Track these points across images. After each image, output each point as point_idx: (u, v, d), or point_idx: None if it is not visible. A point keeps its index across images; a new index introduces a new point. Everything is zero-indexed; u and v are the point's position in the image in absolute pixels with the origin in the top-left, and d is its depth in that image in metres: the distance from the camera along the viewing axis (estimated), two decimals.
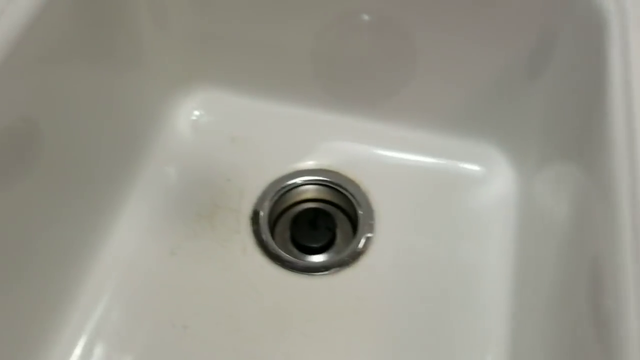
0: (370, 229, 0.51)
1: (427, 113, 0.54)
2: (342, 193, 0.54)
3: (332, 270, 0.49)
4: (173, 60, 0.54)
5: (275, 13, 0.51)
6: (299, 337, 0.45)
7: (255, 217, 0.52)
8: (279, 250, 0.50)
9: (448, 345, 0.45)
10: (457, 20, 0.48)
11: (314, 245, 0.51)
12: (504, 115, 0.51)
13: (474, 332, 0.46)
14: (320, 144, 0.56)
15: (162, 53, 0.53)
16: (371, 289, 0.48)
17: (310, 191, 0.55)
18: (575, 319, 0.35)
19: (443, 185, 0.54)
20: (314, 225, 0.52)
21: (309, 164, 0.55)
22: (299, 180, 0.54)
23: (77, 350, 0.44)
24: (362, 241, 0.50)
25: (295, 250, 0.52)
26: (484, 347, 0.45)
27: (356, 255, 0.50)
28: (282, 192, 0.54)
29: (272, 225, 0.53)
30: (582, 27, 0.42)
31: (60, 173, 0.43)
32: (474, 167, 0.54)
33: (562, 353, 0.37)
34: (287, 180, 0.54)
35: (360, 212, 0.52)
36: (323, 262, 0.50)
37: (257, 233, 0.51)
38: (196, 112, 0.57)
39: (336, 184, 0.54)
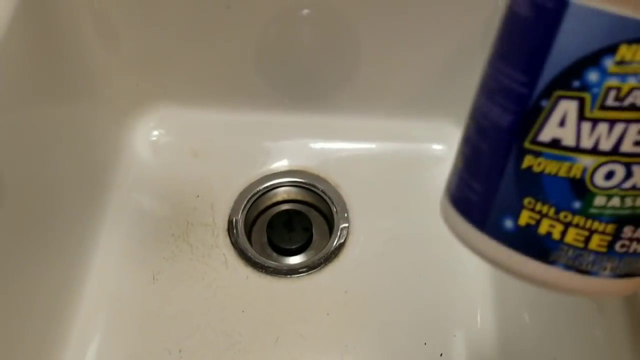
0: (346, 221, 0.52)
1: (383, 100, 0.55)
2: (312, 191, 0.54)
3: (316, 268, 0.50)
4: (126, 82, 0.53)
5: (219, 24, 0.50)
6: (296, 339, 0.46)
7: (231, 228, 0.52)
8: (261, 258, 0.50)
9: (439, 318, 0.47)
10: (403, 2, 0.48)
11: (293, 247, 0.52)
12: (461, 92, 0.52)
13: (461, 301, 0.47)
14: (282, 145, 0.56)
15: (114, 77, 0.52)
16: (356, 280, 0.49)
17: (280, 194, 0.55)
18: None
19: (409, 168, 0.55)
20: (290, 227, 0.53)
21: (275, 167, 0.55)
22: (267, 184, 0.54)
23: None
24: (340, 235, 0.51)
25: (275, 255, 0.52)
26: (472, 312, 0.47)
27: (336, 250, 0.50)
28: (253, 199, 0.54)
29: (249, 233, 0.53)
30: None
31: (24, 216, 0.42)
32: (436, 147, 0.55)
33: (543, 305, 0.39)
34: (256, 187, 0.54)
35: (333, 207, 0.53)
36: (305, 261, 0.51)
37: (235, 244, 0.51)
38: (155, 132, 0.56)
39: (306, 183, 0.54)
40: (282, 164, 0.55)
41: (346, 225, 0.52)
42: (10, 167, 0.39)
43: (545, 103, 0.17)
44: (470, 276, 0.48)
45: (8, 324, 0.39)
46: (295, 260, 0.51)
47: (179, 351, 0.45)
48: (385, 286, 0.49)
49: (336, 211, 0.52)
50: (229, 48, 0.53)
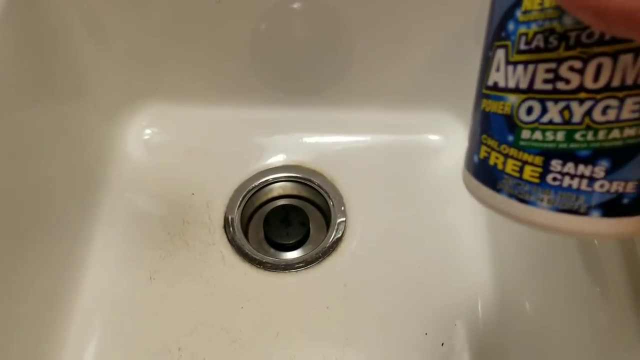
0: (343, 215, 0.52)
1: (378, 92, 0.55)
2: (309, 185, 0.54)
3: (314, 263, 0.49)
4: (116, 81, 0.53)
5: (210, 20, 0.50)
6: (297, 334, 0.45)
7: (227, 225, 0.51)
8: (258, 254, 0.50)
9: (439, 308, 0.46)
10: None
11: (291, 242, 0.51)
12: (455, 83, 0.52)
13: (461, 290, 0.47)
14: (277, 140, 0.56)
15: (105, 76, 0.52)
16: (355, 272, 0.49)
17: (276, 189, 0.55)
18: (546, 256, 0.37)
19: (405, 159, 0.54)
20: (286, 222, 0.52)
21: (270, 162, 0.55)
22: (263, 180, 0.54)
23: None
24: (337, 229, 0.51)
25: (272, 250, 0.52)
26: (473, 301, 0.47)
27: (334, 244, 0.50)
28: (248, 195, 0.53)
29: (246, 230, 0.53)
30: None
31: (17, 218, 0.41)
32: (432, 137, 0.55)
33: (544, 292, 0.39)
34: (252, 183, 0.54)
35: (330, 201, 0.52)
36: (303, 256, 0.50)
37: (232, 241, 0.51)
38: (147, 131, 0.56)
39: (302, 178, 0.54)
40: (277, 159, 0.55)
41: (343, 219, 0.51)
42: (0, 169, 0.39)
43: (490, 54, 0.20)
44: (470, 265, 0.48)
45: (4, 326, 0.38)
46: (292, 255, 0.51)
47: (179, 349, 0.44)
48: (384, 278, 0.48)
49: (333, 205, 0.52)
50: (221, 44, 0.52)
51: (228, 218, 0.52)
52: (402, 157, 0.55)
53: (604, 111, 0.18)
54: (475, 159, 0.22)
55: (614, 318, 0.29)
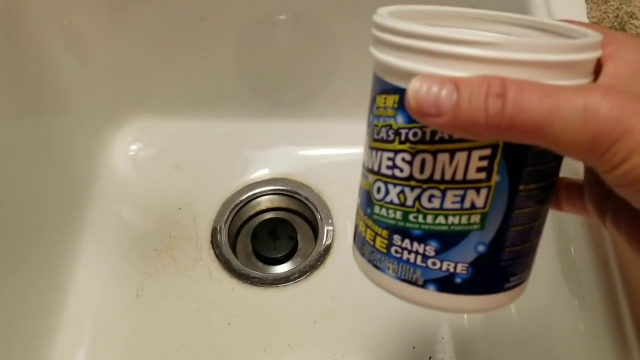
0: (330, 226, 0.51)
1: (362, 105, 0.54)
2: (296, 198, 0.54)
3: (302, 276, 0.49)
4: (100, 96, 0.53)
5: (194, 35, 0.50)
6: (284, 350, 0.45)
7: (214, 240, 0.51)
8: (246, 269, 0.50)
9: (426, 321, 0.46)
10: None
11: (279, 256, 0.51)
12: None
13: None
14: (264, 153, 0.56)
15: (89, 91, 0.52)
16: (342, 286, 0.48)
17: (263, 202, 0.54)
18: None
19: None
20: (274, 236, 0.52)
21: (257, 175, 0.55)
22: (250, 193, 0.54)
23: None
24: (325, 241, 0.51)
25: (260, 264, 0.52)
26: (460, 313, 0.46)
27: (321, 257, 0.50)
28: (236, 209, 0.53)
29: (233, 244, 0.52)
30: None
31: (2, 236, 0.41)
32: None
33: (529, 302, 0.38)
34: (239, 197, 0.54)
35: (317, 214, 0.52)
36: (291, 270, 0.50)
37: (220, 256, 0.50)
38: (133, 146, 0.56)
39: (289, 191, 0.54)
40: (263, 173, 0.55)
41: (331, 229, 0.51)
42: None
43: (366, 138, 0.23)
44: None
45: None
46: (281, 269, 0.51)
47: None
48: (371, 291, 0.47)
49: (320, 217, 0.52)
50: (206, 58, 0.52)
51: (215, 232, 0.52)
52: None
53: (430, 199, 0.20)
54: (355, 225, 0.24)
55: (590, 325, 0.31)
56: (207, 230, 0.52)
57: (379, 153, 0.21)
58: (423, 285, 0.21)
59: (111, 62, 0.51)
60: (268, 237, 0.52)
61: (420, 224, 0.21)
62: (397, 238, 0.21)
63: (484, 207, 0.20)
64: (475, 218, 0.20)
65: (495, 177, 0.20)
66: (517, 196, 0.20)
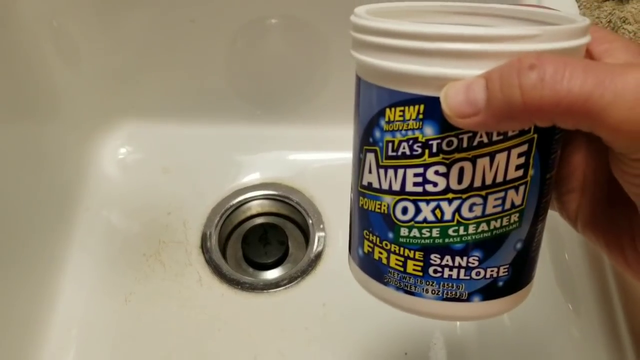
0: (322, 232, 0.51)
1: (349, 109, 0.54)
2: (287, 203, 0.53)
3: (292, 282, 0.49)
4: (90, 100, 0.52)
5: (185, 38, 0.50)
6: (275, 357, 0.45)
7: (204, 245, 0.51)
8: (236, 274, 0.49)
9: (419, 327, 0.46)
10: None
11: (269, 261, 0.51)
12: None
13: None
14: (254, 158, 0.55)
15: (78, 95, 0.51)
16: (334, 291, 0.48)
17: (254, 207, 0.54)
18: None
19: None
20: (265, 241, 0.52)
21: (248, 180, 0.54)
22: (240, 198, 0.53)
23: None
24: (316, 247, 0.50)
25: (251, 270, 0.51)
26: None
27: (312, 262, 0.50)
28: (226, 214, 0.53)
29: (223, 249, 0.52)
30: None
31: None
32: None
33: (522, 308, 0.38)
34: (229, 201, 0.53)
35: (309, 219, 0.52)
36: (281, 275, 0.50)
37: (209, 261, 0.50)
38: (122, 150, 0.55)
39: (280, 196, 0.53)
40: (254, 177, 0.54)
41: (322, 234, 0.51)
42: None
43: (362, 156, 0.21)
44: None
45: None
46: (271, 274, 0.50)
47: None
48: (363, 296, 0.47)
49: (312, 223, 0.52)
50: (196, 62, 0.52)
51: (205, 237, 0.51)
52: None
53: (471, 208, 0.20)
54: (360, 252, 0.23)
55: (585, 331, 0.31)
56: (197, 235, 0.51)
57: (400, 170, 0.20)
58: (468, 299, 0.21)
59: (101, 66, 0.51)
60: (259, 242, 0.52)
61: (461, 236, 0.20)
62: (435, 257, 0.20)
63: (522, 204, 0.20)
64: (515, 217, 0.20)
65: (531, 172, 0.19)
66: (544, 186, 0.20)
